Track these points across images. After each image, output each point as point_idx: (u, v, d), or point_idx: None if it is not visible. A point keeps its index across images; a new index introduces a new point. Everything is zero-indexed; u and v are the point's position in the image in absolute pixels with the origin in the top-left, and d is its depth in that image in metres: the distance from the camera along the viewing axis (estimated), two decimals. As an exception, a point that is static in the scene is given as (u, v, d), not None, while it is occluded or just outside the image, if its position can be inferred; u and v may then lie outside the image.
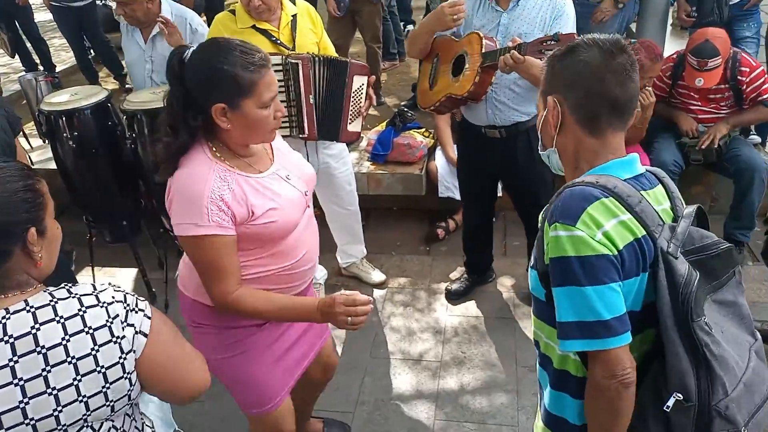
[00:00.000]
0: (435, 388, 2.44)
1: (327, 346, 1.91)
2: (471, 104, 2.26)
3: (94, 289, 1.05)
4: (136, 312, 1.06)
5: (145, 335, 1.05)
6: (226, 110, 1.36)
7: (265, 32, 2.33)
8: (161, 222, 2.91)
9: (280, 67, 2.30)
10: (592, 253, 1.01)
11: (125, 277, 3.31)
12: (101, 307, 1.02)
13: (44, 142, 2.86)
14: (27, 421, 0.96)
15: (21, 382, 0.95)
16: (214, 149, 1.43)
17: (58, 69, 5.70)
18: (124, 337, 1.02)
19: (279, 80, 2.32)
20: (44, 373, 0.96)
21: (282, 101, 2.38)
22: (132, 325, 1.04)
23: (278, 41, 2.34)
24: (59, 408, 0.98)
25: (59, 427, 0.99)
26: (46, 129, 2.73)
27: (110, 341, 1.01)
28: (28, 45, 5.50)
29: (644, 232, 1.03)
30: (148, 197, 2.87)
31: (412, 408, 2.37)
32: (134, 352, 1.04)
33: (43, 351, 0.96)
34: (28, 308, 0.98)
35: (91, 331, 1.00)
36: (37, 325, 0.97)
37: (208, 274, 1.43)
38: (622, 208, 1.03)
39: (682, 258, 1.02)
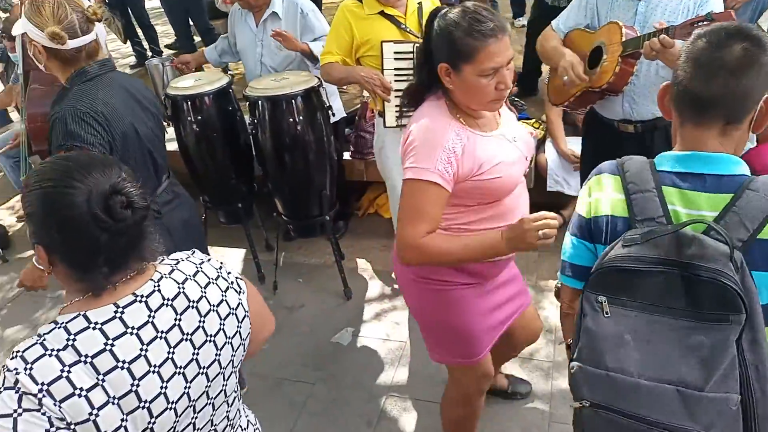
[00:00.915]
0: (548, 389, 2.37)
1: (530, 311, 1.97)
2: (608, 97, 2.15)
3: (186, 255, 1.13)
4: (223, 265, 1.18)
5: (242, 278, 1.17)
6: (450, 71, 1.44)
7: (392, 18, 2.32)
8: (275, 206, 2.98)
9: (411, 54, 2.28)
10: (577, 210, 1.20)
11: (235, 257, 3.43)
12: (206, 263, 1.12)
13: (168, 124, 2.98)
14: (201, 370, 1.04)
15: (189, 337, 1.03)
16: (452, 109, 1.51)
17: (162, 55, 5.98)
18: (233, 282, 1.13)
19: (409, 68, 2.33)
20: (201, 324, 1.04)
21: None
22: (230, 273, 1.15)
23: (406, 28, 2.32)
24: (218, 352, 1.07)
25: (221, 370, 1.08)
26: (171, 112, 2.85)
27: (228, 287, 1.11)
28: (139, 32, 5.78)
29: (625, 215, 1.08)
30: (264, 181, 2.94)
31: (524, 406, 2.31)
32: (244, 292, 1.14)
33: (195, 305, 1.04)
34: (164, 275, 1.05)
35: (214, 281, 1.09)
36: (181, 285, 1.05)
37: (409, 215, 1.49)
38: (620, 188, 1.11)
39: (637, 250, 1.01)
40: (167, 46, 5.97)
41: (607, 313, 1.02)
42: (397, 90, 2.31)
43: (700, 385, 0.94)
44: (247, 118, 2.89)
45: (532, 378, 2.43)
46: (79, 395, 0.89)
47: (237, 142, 2.93)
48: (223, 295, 1.09)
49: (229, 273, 1.14)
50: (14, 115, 4.75)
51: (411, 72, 2.30)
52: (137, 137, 1.79)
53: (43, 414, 0.88)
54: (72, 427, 0.89)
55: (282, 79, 2.71)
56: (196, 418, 1.05)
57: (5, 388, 0.89)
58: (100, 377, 0.92)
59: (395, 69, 2.34)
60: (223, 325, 1.07)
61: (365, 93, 3.44)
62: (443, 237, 1.52)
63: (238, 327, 1.10)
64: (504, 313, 1.79)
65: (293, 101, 2.63)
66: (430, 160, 1.44)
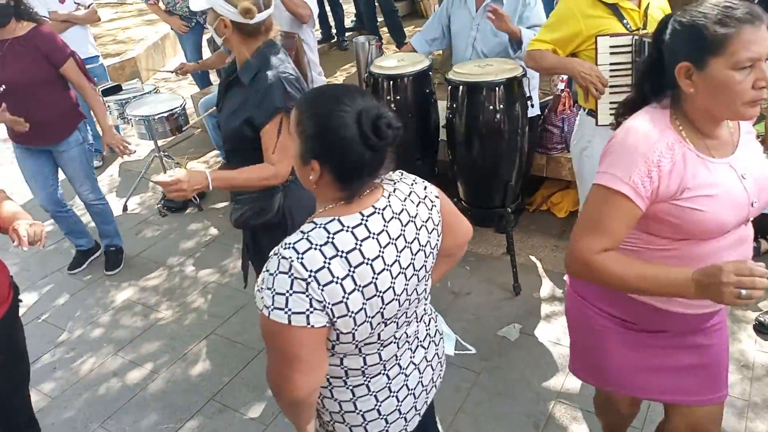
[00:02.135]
0: (742, 430, 2.16)
1: (710, 412, 1.56)
2: None
3: (399, 177, 1.28)
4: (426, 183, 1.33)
5: (438, 197, 1.32)
6: (692, 70, 1.23)
7: (616, 10, 2.19)
8: (455, 191, 2.99)
9: (629, 48, 2.15)
10: None
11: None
12: (417, 184, 1.28)
13: (365, 101, 3.11)
14: (414, 272, 1.24)
15: (409, 245, 1.22)
16: (675, 119, 1.31)
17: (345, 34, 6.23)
18: (434, 201, 1.29)
19: (626, 62, 2.20)
20: (417, 236, 1.23)
21: (625, 84, 2.24)
22: (430, 190, 1.30)
23: (625, 21, 2.19)
24: (426, 259, 1.27)
25: (425, 273, 1.29)
26: (372, 90, 2.96)
27: (432, 206, 1.28)
28: (327, 9, 6.08)
29: None
30: (451, 165, 2.95)
31: (711, 443, 2.13)
32: (438, 209, 1.30)
33: (413, 220, 1.23)
34: (390, 192, 1.22)
35: (422, 200, 1.26)
36: (403, 202, 1.22)
37: (589, 225, 1.33)
38: None
39: None
40: (348, 29, 6.22)
41: None
42: (612, 86, 2.19)
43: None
44: (440, 102, 2.92)
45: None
46: (336, 282, 1.10)
47: (428, 124, 2.98)
48: (429, 213, 1.27)
49: (430, 191, 1.29)
50: (212, 77, 5.27)
51: (629, 66, 2.17)
52: None
53: (307, 296, 1.09)
54: (329, 307, 1.10)
55: (486, 66, 2.70)
56: (408, 309, 1.27)
57: (280, 272, 1.10)
58: (351, 269, 1.12)
59: (610, 64, 2.22)
60: (429, 237, 1.26)
61: (559, 86, 3.33)
62: (619, 259, 1.30)
63: (437, 239, 1.29)
64: (664, 382, 1.52)
65: (495, 89, 2.61)
66: (626, 168, 1.25)
